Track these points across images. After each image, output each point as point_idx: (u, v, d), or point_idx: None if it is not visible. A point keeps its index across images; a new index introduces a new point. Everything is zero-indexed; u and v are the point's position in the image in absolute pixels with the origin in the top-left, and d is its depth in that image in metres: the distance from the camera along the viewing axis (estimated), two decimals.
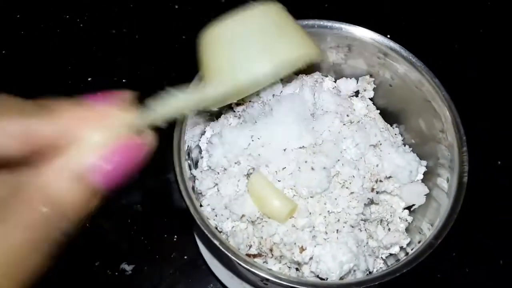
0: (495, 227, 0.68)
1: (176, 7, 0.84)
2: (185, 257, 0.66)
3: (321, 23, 0.49)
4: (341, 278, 0.42)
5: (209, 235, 0.39)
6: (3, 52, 0.80)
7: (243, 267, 0.39)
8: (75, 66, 0.79)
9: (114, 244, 0.63)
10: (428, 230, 0.45)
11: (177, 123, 0.44)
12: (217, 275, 0.57)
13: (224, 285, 0.58)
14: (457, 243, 0.66)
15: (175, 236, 0.67)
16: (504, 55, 0.82)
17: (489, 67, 0.81)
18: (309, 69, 0.55)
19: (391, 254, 0.48)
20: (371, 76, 0.53)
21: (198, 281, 0.64)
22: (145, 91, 0.80)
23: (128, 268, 0.65)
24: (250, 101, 0.52)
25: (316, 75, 0.53)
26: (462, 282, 0.65)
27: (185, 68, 0.77)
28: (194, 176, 0.47)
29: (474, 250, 0.67)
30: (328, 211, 0.45)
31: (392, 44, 0.48)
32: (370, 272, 0.45)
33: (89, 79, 0.78)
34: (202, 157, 0.50)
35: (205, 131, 0.52)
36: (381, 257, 0.48)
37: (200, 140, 0.51)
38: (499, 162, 0.73)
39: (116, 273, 0.65)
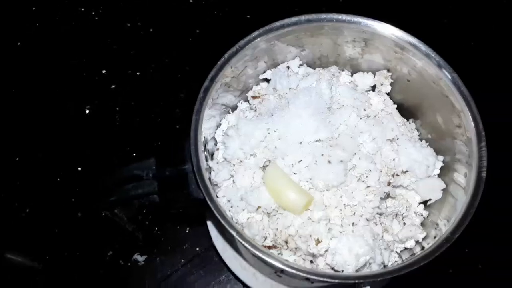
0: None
1: (191, 1, 0.85)
2: (197, 248, 0.66)
3: (339, 17, 0.49)
4: (356, 271, 0.42)
5: (225, 225, 0.39)
6: (19, 44, 0.80)
7: (259, 257, 0.39)
8: (89, 58, 0.79)
9: (128, 234, 0.64)
10: (444, 225, 0.45)
11: (194, 114, 0.44)
12: (229, 266, 0.57)
13: (236, 276, 0.58)
14: (470, 239, 0.66)
15: (188, 228, 0.68)
16: None
17: (506, 64, 0.80)
18: (326, 63, 0.55)
19: (406, 248, 0.48)
20: (388, 70, 0.52)
21: (210, 273, 0.65)
22: (158, 84, 0.82)
23: (140, 258, 0.66)
24: (265, 95, 0.52)
25: (333, 69, 0.53)
26: (474, 278, 0.65)
27: (199, 62, 0.78)
28: (210, 167, 0.48)
29: (487, 246, 0.66)
30: (344, 204, 0.45)
31: (410, 38, 0.47)
32: (385, 266, 0.45)
33: (103, 71, 0.78)
34: (217, 149, 0.50)
35: (220, 124, 0.52)
36: (396, 251, 0.48)
37: (215, 132, 0.52)
38: None
39: (129, 264, 0.65)
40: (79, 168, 0.71)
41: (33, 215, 0.68)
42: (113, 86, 0.77)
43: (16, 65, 0.79)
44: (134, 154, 0.72)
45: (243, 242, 0.39)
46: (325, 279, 0.38)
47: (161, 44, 0.81)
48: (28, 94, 0.76)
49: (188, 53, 0.80)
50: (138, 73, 0.78)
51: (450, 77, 0.46)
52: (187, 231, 0.68)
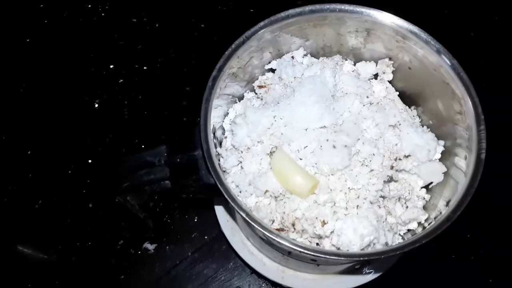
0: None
1: None
2: (206, 237, 0.68)
3: (342, 7, 0.50)
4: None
5: (235, 207, 0.41)
6: (27, 40, 0.82)
7: (267, 238, 0.41)
8: (97, 53, 0.81)
9: (138, 223, 0.66)
10: (445, 206, 0.46)
11: (204, 102, 0.45)
12: (237, 252, 0.59)
13: (245, 262, 0.60)
14: (472, 225, 0.67)
15: (196, 218, 0.70)
16: None
17: (505, 54, 0.82)
18: (329, 52, 0.56)
19: (409, 230, 0.49)
20: (390, 59, 0.54)
21: (218, 260, 0.67)
22: (165, 78, 0.84)
23: (150, 247, 0.67)
24: (271, 84, 0.54)
25: (337, 57, 0.54)
26: (475, 264, 0.67)
27: (204, 56, 0.80)
28: (219, 154, 0.49)
29: (489, 232, 0.68)
30: (349, 187, 0.46)
31: (411, 26, 0.49)
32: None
33: (111, 66, 0.80)
34: (226, 137, 0.52)
35: (228, 113, 0.54)
36: (399, 234, 0.49)
37: (223, 121, 0.53)
38: None
39: (139, 252, 0.67)
40: (90, 161, 0.73)
41: (45, 207, 0.70)
42: (121, 80, 0.79)
43: (25, 62, 0.81)
44: (142, 146, 0.73)
45: (252, 223, 0.40)
46: (331, 257, 0.40)
47: (167, 39, 0.83)
48: (38, 90, 0.78)
49: (193, 47, 0.82)
50: (145, 68, 0.80)
51: (450, 63, 0.47)
52: (195, 220, 0.69)
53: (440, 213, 0.46)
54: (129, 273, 0.66)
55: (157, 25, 0.84)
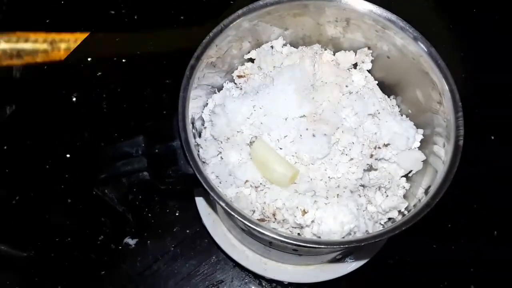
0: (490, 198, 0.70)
1: None
2: (187, 231, 0.68)
3: None
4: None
5: (215, 197, 0.40)
6: None
7: (248, 228, 0.41)
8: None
9: (118, 217, 0.65)
10: (423, 194, 0.47)
11: (181, 91, 0.45)
12: (219, 245, 0.58)
13: (227, 255, 0.59)
14: (452, 215, 0.68)
15: (177, 212, 0.69)
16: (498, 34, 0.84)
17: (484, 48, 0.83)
18: (309, 42, 0.56)
19: (389, 219, 0.50)
20: (369, 48, 0.54)
21: (201, 254, 0.66)
22: (144, 70, 0.82)
23: (131, 242, 0.67)
24: (251, 74, 0.53)
25: (316, 46, 0.54)
26: (456, 253, 0.67)
27: (183, 47, 0.79)
28: (198, 145, 0.49)
29: (470, 221, 0.69)
30: (329, 176, 0.46)
31: (390, 15, 0.49)
32: None
33: (88, 59, 0.78)
34: (205, 127, 0.51)
35: (207, 103, 0.53)
36: (380, 223, 0.50)
37: (203, 112, 0.53)
38: (492, 137, 0.75)
39: (120, 247, 0.66)
40: (68, 155, 0.71)
41: (23, 203, 0.68)
42: (99, 73, 0.77)
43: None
44: (122, 139, 0.72)
45: (232, 213, 0.40)
46: (311, 246, 0.40)
47: (146, 31, 0.81)
48: (14, 85, 0.76)
49: (173, 39, 0.81)
50: (123, 60, 0.79)
51: (427, 51, 0.47)
52: (176, 214, 0.69)
53: (419, 201, 0.47)
54: (110, 268, 0.65)
55: (135, 17, 0.82)
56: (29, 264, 0.65)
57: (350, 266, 0.58)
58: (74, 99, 0.75)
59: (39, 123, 0.73)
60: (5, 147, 0.72)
